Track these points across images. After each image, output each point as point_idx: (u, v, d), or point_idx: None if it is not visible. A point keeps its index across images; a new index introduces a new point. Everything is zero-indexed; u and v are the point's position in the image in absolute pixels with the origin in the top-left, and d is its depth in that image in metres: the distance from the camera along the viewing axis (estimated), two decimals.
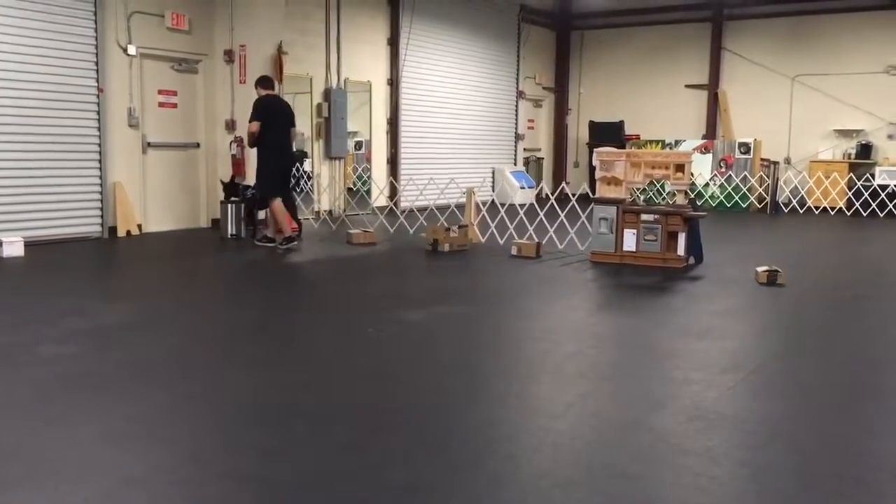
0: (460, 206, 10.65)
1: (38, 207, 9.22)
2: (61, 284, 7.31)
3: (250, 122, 9.29)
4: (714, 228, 10.75)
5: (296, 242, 9.55)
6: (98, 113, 9.83)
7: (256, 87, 9.59)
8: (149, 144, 10.66)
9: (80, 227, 9.76)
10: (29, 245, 8.48)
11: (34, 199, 9.18)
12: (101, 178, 9.94)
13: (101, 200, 9.96)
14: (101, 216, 9.98)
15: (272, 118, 9.33)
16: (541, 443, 3.57)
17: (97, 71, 9.80)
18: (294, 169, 10.53)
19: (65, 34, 9.46)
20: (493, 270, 8.45)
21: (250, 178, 10.24)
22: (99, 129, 9.86)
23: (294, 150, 10.35)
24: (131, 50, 10.21)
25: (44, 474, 3.08)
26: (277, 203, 9.37)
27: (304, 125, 14.57)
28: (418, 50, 14.76)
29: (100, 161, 9.92)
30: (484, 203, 10.91)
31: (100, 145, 9.90)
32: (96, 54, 9.77)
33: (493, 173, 16.72)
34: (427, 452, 3.40)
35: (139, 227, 10.47)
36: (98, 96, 9.81)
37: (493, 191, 14.91)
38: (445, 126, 15.80)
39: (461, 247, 9.45)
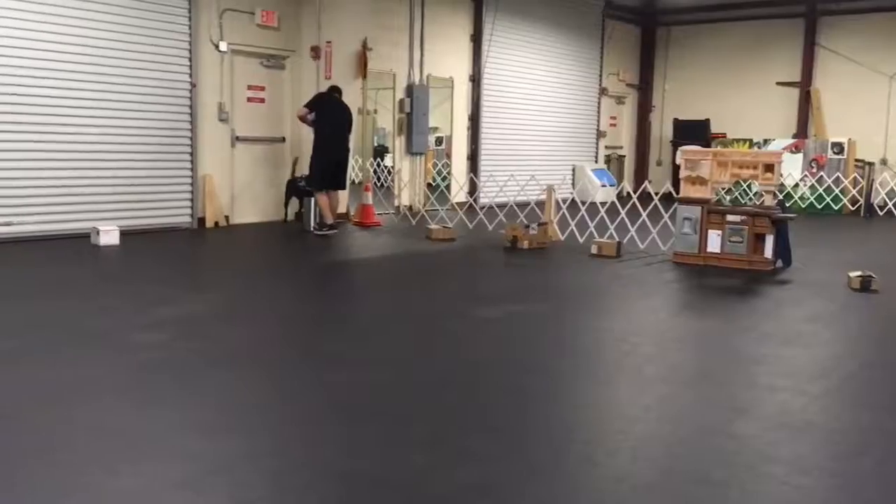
0: (540, 204, 10.59)
1: (132, 198, 9.60)
2: (153, 273, 7.59)
3: (304, 106, 10.14)
4: (804, 231, 10.40)
5: (335, 231, 10.14)
6: (190, 107, 10.18)
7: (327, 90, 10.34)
8: (237, 138, 10.96)
9: (172, 217, 10.12)
10: (124, 234, 8.84)
11: (129, 190, 9.56)
12: (192, 170, 10.29)
13: (192, 192, 10.31)
14: (192, 207, 10.33)
15: (329, 115, 10.10)
16: (619, 446, 3.53)
17: (190, 67, 10.14)
18: (346, 167, 10.81)
19: (161, 31, 9.82)
20: (572, 269, 8.38)
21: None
22: (191, 123, 10.20)
23: (349, 151, 10.82)
24: (223, 46, 10.52)
25: (135, 456, 3.21)
26: (321, 196, 10.10)
27: (385, 121, 14.78)
28: (501, 46, 14.73)
29: (191, 154, 10.26)
30: (564, 201, 10.81)
31: (191, 139, 10.24)
32: (190, 51, 10.11)
33: (574, 171, 16.56)
34: (504, 452, 3.40)
35: (226, 218, 10.79)
36: (191, 91, 10.16)
37: (573, 188, 14.77)
38: (526, 122, 15.73)
39: (540, 245, 9.40)
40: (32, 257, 7.97)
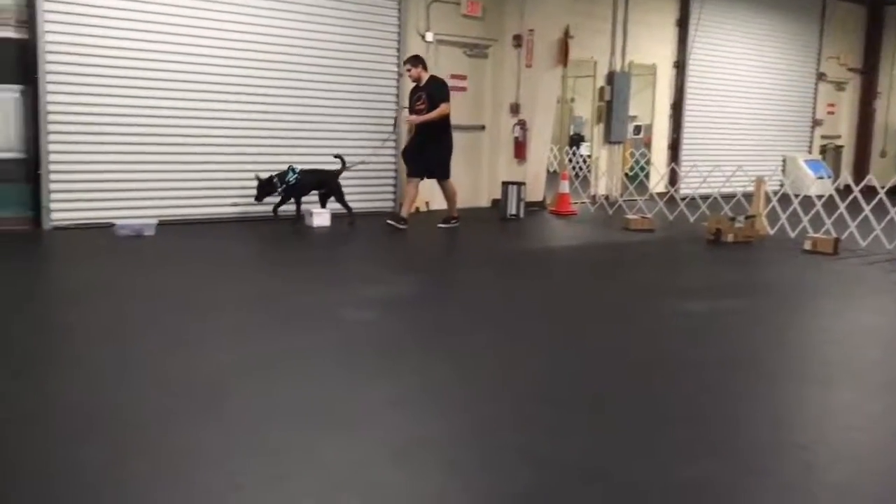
0: (747, 196, 10.04)
1: (342, 183, 10.10)
2: (360, 254, 8.00)
3: (445, 101, 9.08)
4: None
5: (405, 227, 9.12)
6: (397, 96, 10.58)
7: (417, 67, 9.20)
8: None
9: (376, 202, 10.59)
10: (335, 216, 9.36)
11: (344, 174, 10.05)
12: (395, 157, 10.69)
13: (396, 178, 10.73)
14: (395, 193, 10.75)
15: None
16: (839, 455, 3.29)
17: (398, 57, 10.53)
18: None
19: (372, 23, 10.28)
20: (782, 265, 7.89)
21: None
22: (396, 111, 10.60)
23: None
24: (429, 37, 10.83)
25: (347, 425, 3.39)
26: (451, 183, 9.49)
27: (583, 109, 14.60)
28: (709, 30, 14.08)
29: (395, 141, 10.67)
30: (774, 193, 10.18)
31: (395, 126, 10.63)
32: (398, 41, 10.51)
33: (785, 162, 15.54)
34: (712, 450, 3.27)
35: (427, 203, 11.13)
36: (398, 81, 10.55)
37: (785, 180, 13.86)
38: (734, 110, 14.97)
39: (746, 238, 8.92)
40: (254, 235, 8.63)
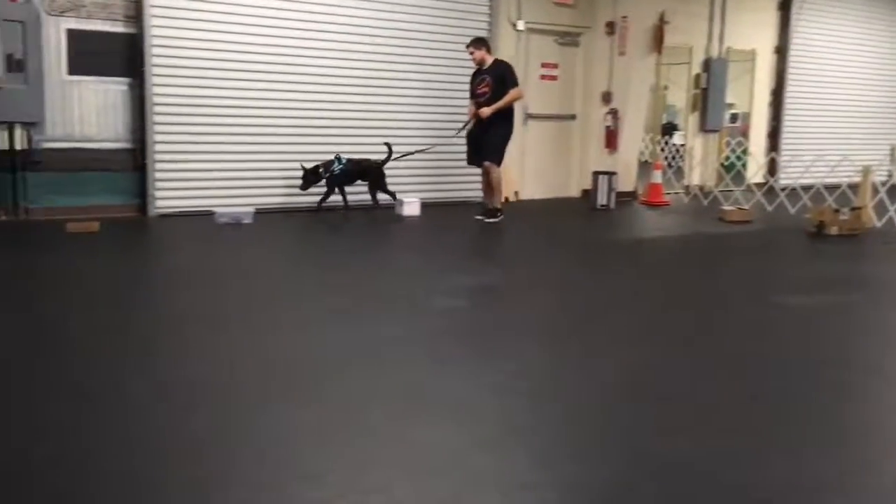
0: (853, 187, 9.60)
1: (431, 172, 10.18)
2: (449, 242, 8.04)
3: (515, 86, 8.75)
4: None
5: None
6: None
7: (481, 49, 8.92)
8: (529, 115, 11.19)
9: (466, 191, 10.59)
10: (424, 205, 9.43)
11: (429, 165, 10.12)
12: None
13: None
14: (482, 183, 10.72)
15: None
16: None
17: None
18: None
19: (463, 13, 10.28)
20: (890, 259, 7.53)
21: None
22: None
23: None
24: (520, 25, 10.76)
25: (441, 414, 3.41)
26: (499, 171, 8.99)
27: (676, 97, 14.24)
28: (814, 14, 13.52)
29: None
30: (882, 183, 9.70)
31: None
32: (489, 31, 10.48)
33: (893, 151, 14.76)
34: (819, 447, 3.15)
35: (516, 193, 11.09)
36: None
37: (893, 170, 13.19)
38: (838, 97, 14.32)
39: (851, 231, 8.54)
40: (346, 224, 8.77)
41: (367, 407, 3.44)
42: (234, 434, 3.12)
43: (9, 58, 7.58)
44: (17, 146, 7.83)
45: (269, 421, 3.24)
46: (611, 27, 11.31)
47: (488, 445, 3.10)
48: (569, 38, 11.38)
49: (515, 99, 8.82)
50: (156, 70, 8.37)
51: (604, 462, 2.99)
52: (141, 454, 2.91)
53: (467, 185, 10.59)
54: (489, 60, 8.90)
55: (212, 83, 8.69)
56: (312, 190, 8.98)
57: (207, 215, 8.37)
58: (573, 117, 11.67)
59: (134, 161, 8.43)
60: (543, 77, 11.30)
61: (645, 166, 12.23)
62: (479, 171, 9.19)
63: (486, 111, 8.69)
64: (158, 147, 8.48)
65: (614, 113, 11.34)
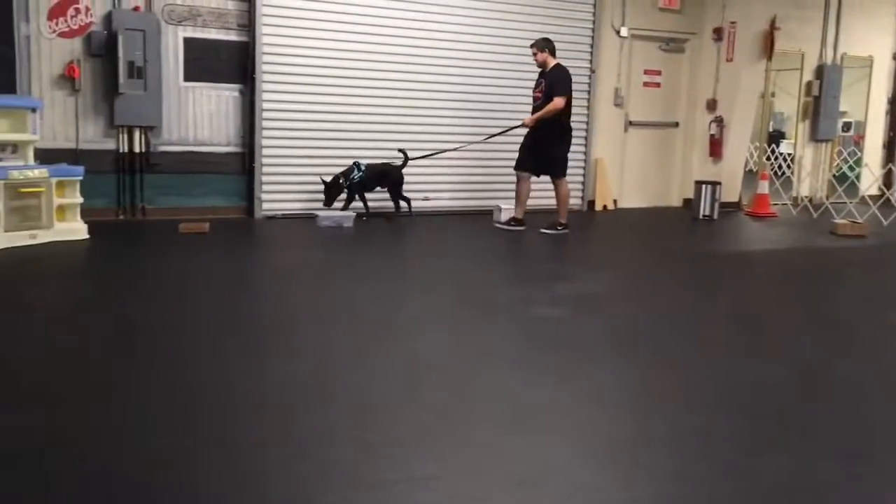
0: None
1: (532, 179, 10.10)
2: (548, 250, 7.99)
3: (559, 95, 8.27)
4: None
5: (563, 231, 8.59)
6: (588, 93, 10.46)
7: (544, 51, 8.46)
8: (630, 123, 11.02)
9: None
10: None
11: None
12: (585, 154, 10.58)
13: (584, 175, 10.62)
14: (583, 190, 10.65)
15: (572, 92, 8.46)
16: None
17: (591, 53, 10.41)
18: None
19: (566, 19, 10.20)
20: None
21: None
22: (588, 108, 10.48)
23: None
24: (623, 32, 10.62)
25: (540, 423, 3.40)
26: (566, 183, 8.62)
27: (784, 105, 13.74)
28: None
29: (585, 138, 10.55)
30: None
31: (587, 123, 10.52)
32: (592, 37, 10.39)
33: None
34: None
35: (614, 202, 10.94)
36: (590, 77, 10.43)
37: None
38: None
39: None
40: (445, 228, 8.85)
41: (467, 413, 3.46)
42: (338, 434, 3.19)
43: (130, 65, 7.98)
44: (137, 149, 8.25)
45: (371, 422, 3.30)
46: (718, 33, 11.02)
47: (588, 458, 3.07)
48: (674, 45, 11.16)
49: (553, 110, 8.28)
50: (265, 77, 8.66)
51: (706, 480, 2.91)
52: (247, 451, 3.02)
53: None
54: (551, 63, 8.48)
55: (316, 89, 8.91)
56: (411, 195, 9.07)
57: (310, 218, 8.59)
58: (676, 125, 11.43)
59: (242, 165, 8.75)
60: (646, 84, 11.11)
61: (750, 176, 11.85)
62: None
63: (527, 121, 8.49)
64: (266, 151, 8.76)
65: (719, 121, 11.04)
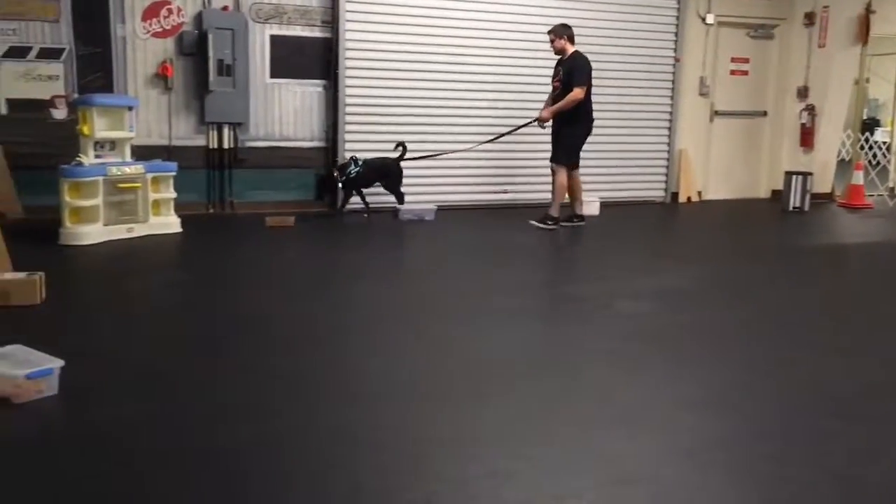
0: None
1: (613, 171, 10.01)
2: (632, 244, 7.87)
3: (578, 85, 7.81)
4: None
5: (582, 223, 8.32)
6: (672, 82, 10.25)
7: (562, 38, 8.01)
8: (716, 113, 10.75)
9: (647, 191, 10.36)
10: (603, 205, 9.29)
11: (610, 164, 9.96)
12: (668, 145, 10.38)
13: (668, 167, 10.42)
14: (666, 181, 10.45)
15: (590, 74, 7.95)
16: None
17: (675, 41, 10.19)
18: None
19: (650, 7, 10.02)
20: None
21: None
22: (671, 98, 10.27)
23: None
24: (709, 19, 10.35)
25: (629, 421, 3.36)
26: (565, 175, 8.10)
27: (878, 91, 13.18)
28: None
29: (669, 129, 10.35)
30: None
31: (671, 114, 10.31)
32: (676, 25, 10.16)
33: None
34: None
35: (699, 194, 10.70)
36: (674, 66, 10.21)
37: None
38: None
39: None
40: (520, 222, 8.79)
41: (556, 409, 3.45)
42: (423, 427, 3.23)
43: (220, 63, 8.21)
44: (226, 145, 8.49)
45: (458, 417, 3.33)
46: (810, 18, 10.63)
47: (680, 457, 3.02)
48: (762, 31, 10.82)
49: (573, 101, 7.83)
50: (348, 73, 8.79)
51: (802, 483, 2.84)
52: (331, 440, 3.09)
53: (645, 184, 10.37)
54: (569, 50, 8.01)
55: (398, 84, 9.00)
56: (488, 188, 9.05)
57: (392, 212, 8.68)
58: (764, 114, 11.09)
59: (326, 160, 8.90)
60: (733, 72, 10.81)
61: (843, 165, 11.41)
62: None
63: (544, 115, 8.11)
64: (349, 146, 8.88)
65: (811, 109, 10.66)
